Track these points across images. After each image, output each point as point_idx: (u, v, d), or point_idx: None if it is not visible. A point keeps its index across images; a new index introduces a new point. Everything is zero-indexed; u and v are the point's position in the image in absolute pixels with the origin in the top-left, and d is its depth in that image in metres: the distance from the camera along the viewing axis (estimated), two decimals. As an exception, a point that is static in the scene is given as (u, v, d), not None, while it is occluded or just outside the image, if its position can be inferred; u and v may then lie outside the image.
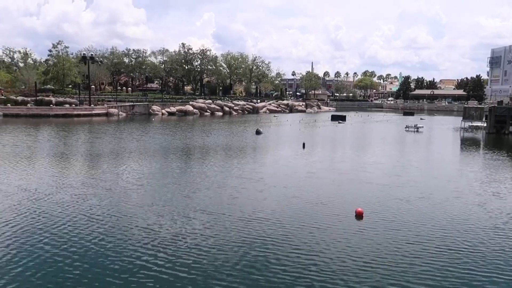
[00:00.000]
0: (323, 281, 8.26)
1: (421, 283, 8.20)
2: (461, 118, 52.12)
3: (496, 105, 50.61)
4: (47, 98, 61.30)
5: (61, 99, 63.41)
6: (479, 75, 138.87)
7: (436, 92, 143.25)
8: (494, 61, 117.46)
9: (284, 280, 8.27)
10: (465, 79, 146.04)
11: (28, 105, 58.87)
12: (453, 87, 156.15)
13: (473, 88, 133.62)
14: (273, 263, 9.02)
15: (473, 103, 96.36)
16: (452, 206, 13.91)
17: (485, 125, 46.50)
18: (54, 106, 59.18)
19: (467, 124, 50.28)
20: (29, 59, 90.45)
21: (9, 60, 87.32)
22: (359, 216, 12.46)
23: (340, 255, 9.52)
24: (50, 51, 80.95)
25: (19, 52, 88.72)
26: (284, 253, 9.61)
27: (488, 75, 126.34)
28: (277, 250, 9.74)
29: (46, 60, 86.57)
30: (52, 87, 75.90)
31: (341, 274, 8.55)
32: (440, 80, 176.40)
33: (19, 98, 60.56)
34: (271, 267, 8.83)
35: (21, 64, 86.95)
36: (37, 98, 60.72)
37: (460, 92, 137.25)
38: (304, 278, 8.36)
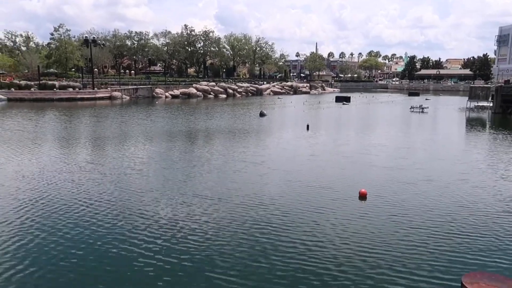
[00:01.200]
0: (326, 261, 8.32)
1: (426, 266, 8.23)
2: (467, 98, 51.57)
3: (503, 84, 49.92)
4: (50, 82, 61.25)
5: (64, 83, 63.37)
6: (486, 54, 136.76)
7: (442, 71, 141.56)
8: (502, 39, 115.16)
9: (286, 261, 8.32)
10: (471, 58, 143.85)
11: (32, 89, 58.89)
12: (460, 66, 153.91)
13: (479, 67, 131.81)
14: (276, 244, 9.08)
15: (479, 83, 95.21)
16: (458, 188, 13.80)
17: (491, 105, 46.00)
18: (58, 90, 59.18)
19: (473, 104, 49.76)
20: (31, 42, 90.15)
21: (11, 44, 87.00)
22: (362, 197, 12.49)
23: (343, 237, 9.57)
24: (52, 34, 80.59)
25: (21, 35, 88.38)
26: (286, 233, 9.66)
27: (495, 54, 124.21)
28: (280, 231, 9.79)
29: (48, 44, 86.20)
30: (55, 71, 75.82)
31: (344, 255, 8.61)
32: (447, 60, 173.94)
33: (23, 82, 60.55)
34: (274, 248, 8.89)
35: (24, 48, 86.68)
36: (41, 82, 60.70)
37: (467, 71, 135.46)
38: (307, 259, 8.42)
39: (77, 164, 16.95)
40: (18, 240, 9.26)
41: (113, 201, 12.07)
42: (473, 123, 36.33)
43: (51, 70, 75.98)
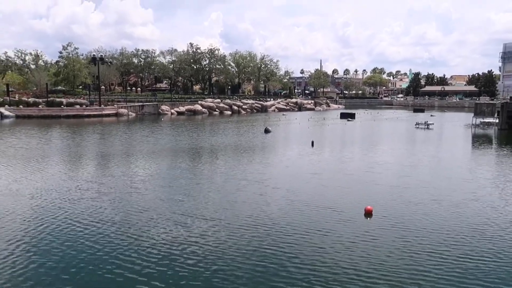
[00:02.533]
0: (332, 279, 8.21)
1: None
2: (472, 114, 51.45)
3: (508, 100, 49.79)
4: (58, 99, 62.09)
5: (71, 100, 64.16)
6: (491, 70, 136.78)
7: (447, 88, 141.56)
8: (507, 56, 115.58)
9: (291, 279, 8.23)
10: (476, 74, 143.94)
11: (40, 106, 59.67)
12: (464, 83, 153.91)
13: (484, 83, 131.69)
14: (281, 260, 9.00)
15: (484, 99, 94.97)
16: (466, 208, 13.56)
17: (497, 121, 45.81)
18: (65, 107, 59.91)
19: (479, 120, 49.58)
20: (40, 60, 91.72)
21: (21, 62, 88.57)
22: (368, 214, 12.39)
23: (349, 256, 9.46)
24: (60, 52, 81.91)
25: (30, 54, 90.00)
26: (291, 252, 9.57)
27: (500, 71, 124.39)
28: (284, 250, 9.71)
29: (57, 62, 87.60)
30: (63, 88, 76.87)
31: (349, 275, 8.50)
32: (451, 76, 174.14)
33: (31, 99, 61.42)
34: (279, 263, 8.81)
35: (33, 66, 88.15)
36: (48, 99, 61.53)
37: (472, 88, 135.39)
38: (312, 275, 8.32)
39: (77, 182, 16.92)
40: (15, 258, 9.26)
41: (112, 220, 12.04)
42: (479, 140, 36.13)
43: (59, 87, 77.05)
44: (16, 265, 8.88)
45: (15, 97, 61.71)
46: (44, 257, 9.30)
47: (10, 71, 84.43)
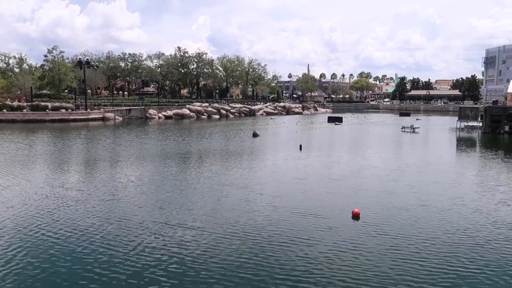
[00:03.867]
0: (321, 281, 8.24)
1: None
2: (456, 118, 52.38)
3: (491, 104, 50.87)
4: (43, 103, 61.17)
5: (57, 104, 63.26)
6: (474, 75, 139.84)
7: (432, 92, 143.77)
8: (489, 61, 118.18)
9: (280, 283, 8.23)
10: (460, 79, 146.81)
11: (24, 110, 58.65)
12: (449, 87, 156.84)
13: (468, 88, 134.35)
14: (270, 260, 9.00)
15: (468, 103, 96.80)
16: (452, 211, 13.82)
17: (480, 124, 46.73)
18: (50, 111, 59.00)
19: (463, 124, 50.51)
20: (25, 64, 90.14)
21: (5, 65, 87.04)
22: (355, 217, 12.49)
23: (336, 258, 9.51)
24: (45, 56, 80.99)
25: (15, 57, 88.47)
26: (279, 253, 9.59)
27: (483, 75, 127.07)
28: (273, 250, 9.72)
29: (42, 65, 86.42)
30: (48, 92, 75.77)
31: (338, 278, 8.54)
32: (436, 81, 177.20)
33: (15, 103, 60.36)
34: (269, 266, 8.81)
35: (17, 70, 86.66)
36: (33, 103, 60.55)
37: (456, 92, 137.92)
38: (302, 278, 8.34)
39: (54, 189, 16.56)
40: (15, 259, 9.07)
41: (86, 229, 11.85)
42: (464, 143, 36.78)
43: (44, 91, 75.95)
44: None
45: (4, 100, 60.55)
46: (17, 265, 9.12)
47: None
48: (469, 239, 10.84)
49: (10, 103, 60.29)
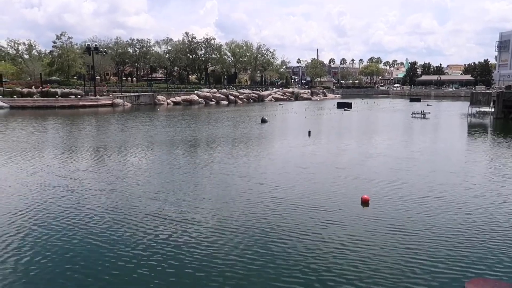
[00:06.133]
0: (328, 267, 8.26)
1: (429, 272, 8.15)
2: (468, 103, 51.52)
3: (504, 89, 49.87)
4: (52, 90, 61.60)
5: (66, 90, 63.65)
6: (487, 59, 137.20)
7: (443, 77, 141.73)
8: (503, 45, 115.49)
9: (286, 268, 8.27)
10: (472, 64, 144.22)
11: (34, 96, 59.15)
12: (461, 72, 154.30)
13: (480, 73, 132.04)
14: (277, 249, 9.04)
15: (480, 88, 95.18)
16: (459, 194, 13.72)
17: (492, 110, 45.93)
18: (60, 98, 59.40)
19: (475, 109, 49.69)
20: (34, 50, 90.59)
21: (14, 52, 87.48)
22: (364, 203, 12.44)
23: (346, 245, 9.50)
24: (54, 42, 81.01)
25: (24, 44, 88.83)
26: (288, 241, 9.61)
27: (496, 60, 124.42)
28: (281, 235, 9.74)
29: (51, 52, 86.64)
30: (58, 78, 76.16)
31: (346, 262, 8.55)
32: (448, 66, 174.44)
33: (25, 90, 60.86)
34: (275, 253, 8.85)
35: (26, 56, 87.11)
36: (43, 89, 60.99)
37: (468, 77, 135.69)
38: (310, 264, 8.37)
39: (69, 173, 16.85)
40: (15, 254, 9.24)
41: (104, 210, 12.04)
42: (475, 129, 36.23)
43: (54, 77, 76.35)
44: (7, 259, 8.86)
45: (9, 88, 61.13)
46: (41, 251, 9.28)
47: (3, 61, 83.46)
48: (485, 228, 10.73)
49: (21, 89, 60.78)
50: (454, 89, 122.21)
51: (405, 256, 8.80)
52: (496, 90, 59.69)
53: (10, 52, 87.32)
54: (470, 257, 8.81)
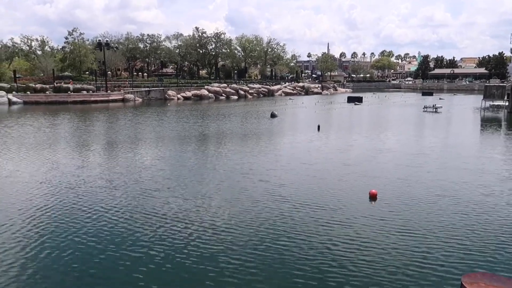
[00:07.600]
0: (334, 261, 8.27)
1: (426, 266, 8.10)
2: (481, 97, 50.67)
3: (519, 83, 48.88)
4: (65, 85, 62.44)
5: (78, 85, 64.43)
6: (502, 52, 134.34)
7: (456, 71, 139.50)
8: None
9: (295, 264, 8.30)
10: (486, 57, 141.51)
11: (47, 92, 60.01)
12: (474, 65, 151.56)
13: (495, 66, 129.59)
14: (285, 244, 9.07)
15: (494, 82, 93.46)
16: (476, 198, 13.48)
17: (507, 104, 45.09)
18: (72, 93, 60.15)
19: (488, 103, 48.85)
20: (46, 46, 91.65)
21: (27, 48, 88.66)
22: (372, 197, 12.39)
23: (352, 238, 9.49)
24: (66, 38, 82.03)
25: (37, 40, 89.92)
26: (296, 235, 9.63)
27: (511, 52, 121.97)
28: (289, 231, 9.77)
29: (63, 47, 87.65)
30: (70, 74, 77.08)
31: (348, 257, 8.54)
32: (461, 59, 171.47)
33: (38, 85, 61.77)
34: (283, 249, 8.88)
35: (39, 52, 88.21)
36: (56, 85, 61.83)
37: (482, 70, 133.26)
38: (317, 260, 8.38)
39: (79, 168, 17.10)
40: (23, 245, 9.44)
41: (114, 205, 12.19)
42: (488, 124, 35.64)
43: (66, 73, 77.30)
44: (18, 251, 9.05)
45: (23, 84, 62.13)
46: (52, 245, 9.47)
47: (17, 57, 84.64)
48: (496, 226, 10.60)
49: (34, 85, 61.69)
50: (467, 83, 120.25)
51: (403, 251, 8.76)
52: (511, 83, 58.53)
53: (24, 48, 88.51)
54: (468, 251, 8.72)
